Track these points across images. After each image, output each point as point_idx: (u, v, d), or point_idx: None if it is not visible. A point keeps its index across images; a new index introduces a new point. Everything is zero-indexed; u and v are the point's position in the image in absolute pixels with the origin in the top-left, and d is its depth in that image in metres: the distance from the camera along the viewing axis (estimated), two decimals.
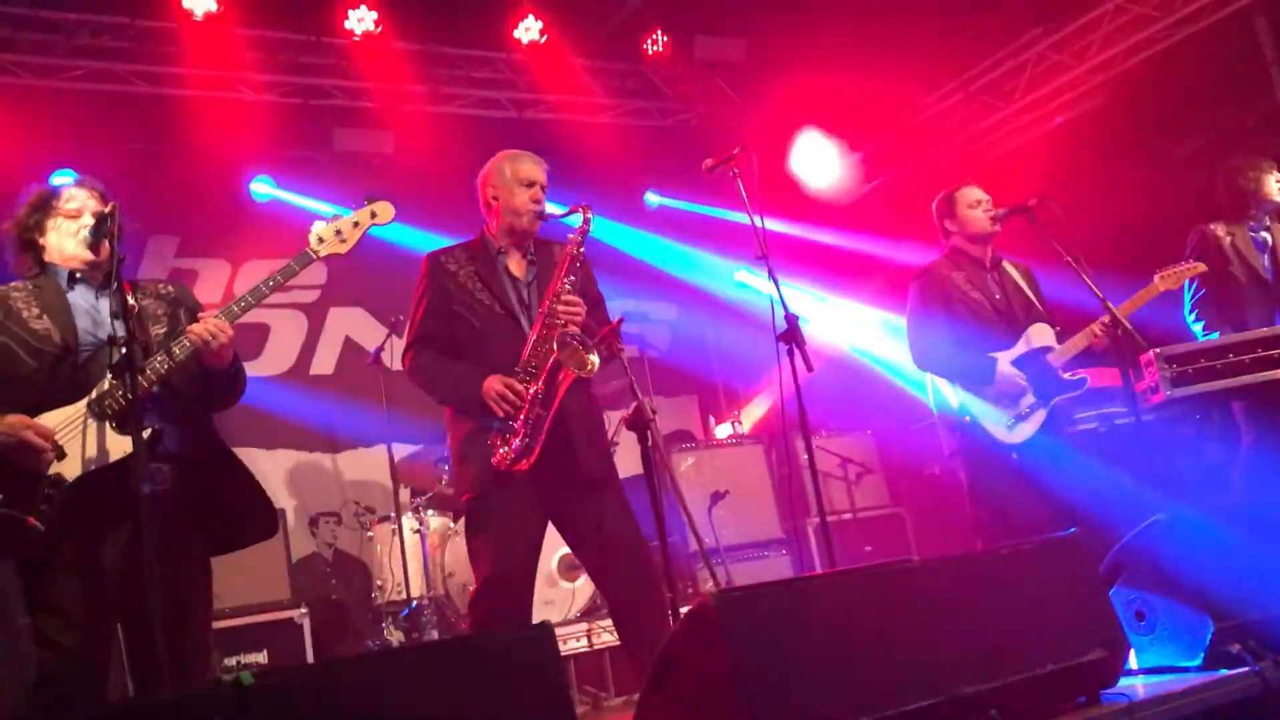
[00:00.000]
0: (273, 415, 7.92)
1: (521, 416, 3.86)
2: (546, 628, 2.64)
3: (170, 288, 3.62)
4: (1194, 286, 5.17)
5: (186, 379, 3.37)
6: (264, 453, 7.97)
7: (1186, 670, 3.20)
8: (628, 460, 4.92)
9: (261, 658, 6.03)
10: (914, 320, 5.03)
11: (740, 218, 4.37)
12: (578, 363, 3.88)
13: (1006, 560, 3.17)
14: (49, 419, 3.18)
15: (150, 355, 3.24)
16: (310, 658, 6.18)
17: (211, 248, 8.34)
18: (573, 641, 6.08)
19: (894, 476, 8.38)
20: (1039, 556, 3.18)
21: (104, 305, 3.34)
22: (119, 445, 3.19)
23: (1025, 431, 4.73)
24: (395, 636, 6.67)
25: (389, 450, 6.99)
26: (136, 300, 3.40)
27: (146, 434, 3.07)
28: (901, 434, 8.10)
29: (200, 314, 3.40)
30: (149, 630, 2.93)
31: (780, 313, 4.10)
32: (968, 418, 4.80)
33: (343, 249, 3.50)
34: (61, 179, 3.60)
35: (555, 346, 3.88)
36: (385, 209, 3.58)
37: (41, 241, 3.42)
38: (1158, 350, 4.65)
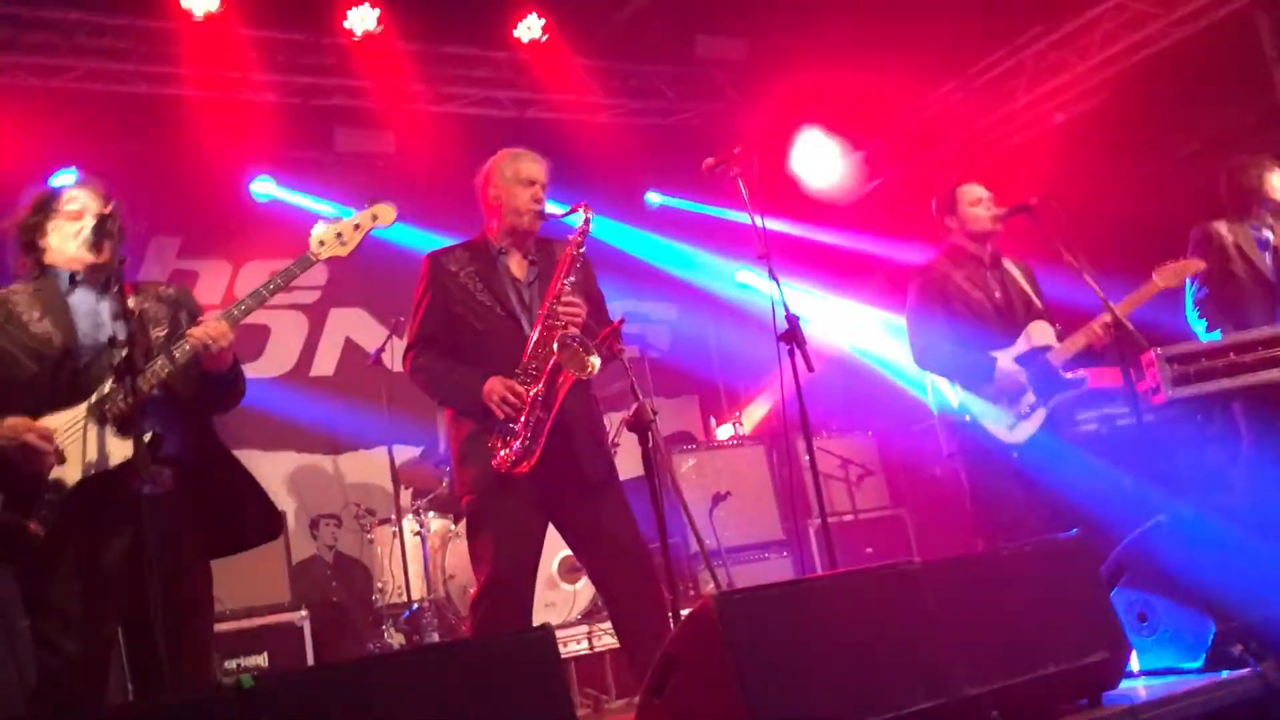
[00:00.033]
0: (273, 417, 7.91)
1: (522, 419, 3.86)
2: (547, 630, 2.64)
3: (171, 290, 3.61)
4: (1196, 285, 5.15)
5: (186, 382, 3.36)
6: (264, 454, 7.96)
7: (1188, 672, 3.20)
8: (629, 461, 4.91)
9: (262, 660, 6.03)
10: (913, 318, 5.02)
11: (741, 217, 4.36)
12: (578, 365, 3.88)
13: (1008, 561, 3.17)
14: (49, 423, 3.17)
15: (151, 358, 3.24)
16: (311, 660, 6.17)
17: (212, 248, 8.34)
18: (573, 644, 6.07)
19: (895, 478, 8.38)
20: (1040, 558, 3.18)
21: (104, 308, 3.33)
22: (119, 449, 3.18)
23: (1026, 431, 4.72)
24: (396, 639, 6.66)
25: (390, 452, 6.99)
26: (137, 303, 3.39)
27: (147, 438, 3.06)
28: (902, 435, 8.10)
29: (200, 317, 3.39)
30: (149, 633, 2.93)
31: (781, 313, 4.10)
32: (968, 417, 4.79)
33: (344, 251, 3.48)
34: (62, 179, 3.58)
35: (555, 349, 3.88)
36: (387, 212, 3.57)
37: (42, 243, 3.41)
38: (1159, 350, 4.64)
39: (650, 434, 3.81)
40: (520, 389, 3.88)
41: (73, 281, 3.38)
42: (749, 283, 9.20)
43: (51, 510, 3.10)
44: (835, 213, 9.00)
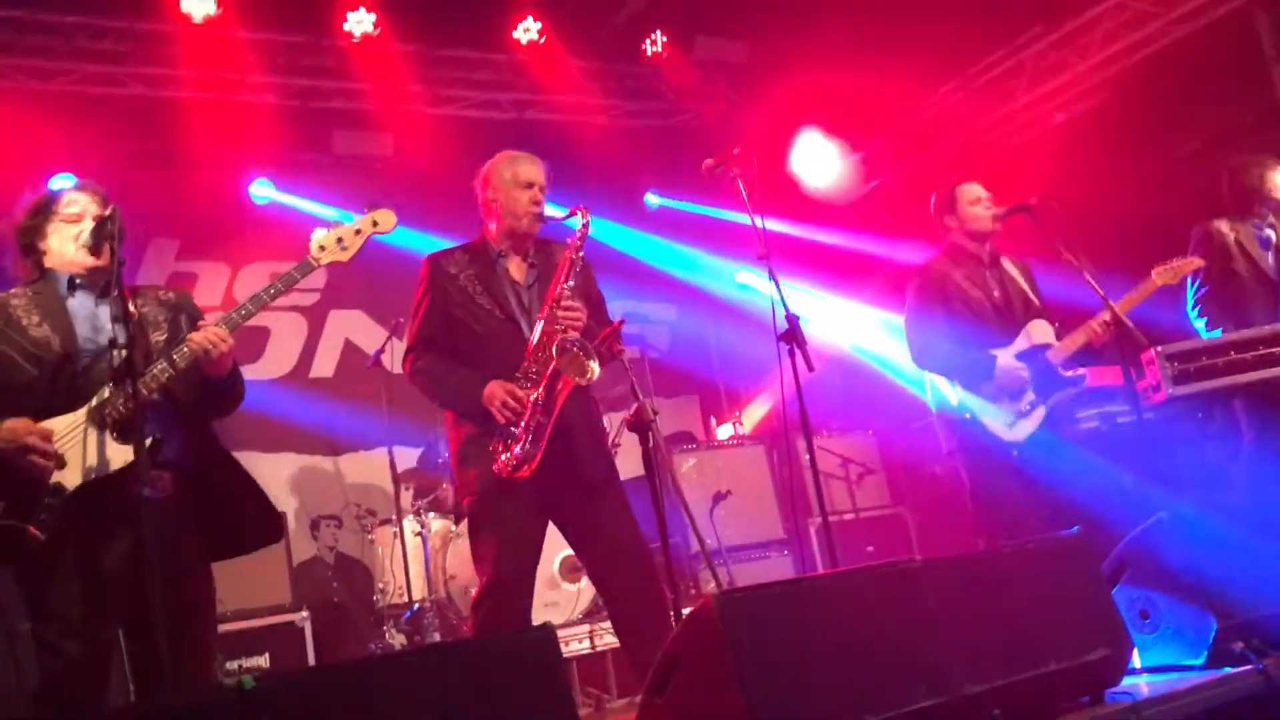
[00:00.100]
0: (273, 418, 7.91)
1: (523, 423, 3.86)
2: (549, 630, 2.64)
3: (171, 294, 3.61)
4: (1196, 283, 5.15)
5: (186, 387, 3.35)
6: (265, 456, 7.96)
7: (1190, 669, 3.20)
8: (629, 461, 4.92)
9: (263, 661, 6.03)
10: (913, 318, 5.02)
11: (740, 218, 4.36)
12: (577, 370, 3.88)
13: (1009, 559, 3.17)
14: (49, 427, 3.16)
15: (150, 362, 3.23)
16: (312, 661, 6.17)
17: (211, 250, 8.34)
18: (575, 643, 6.07)
19: (895, 476, 8.38)
20: (1042, 555, 3.18)
21: (104, 312, 3.32)
22: (119, 454, 3.18)
23: (1026, 429, 4.72)
24: (397, 639, 6.67)
25: (390, 453, 6.99)
26: (137, 306, 3.38)
27: (147, 442, 3.06)
28: (903, 433, 8.10)
29: (200, 321, 3.38)
30: (151, 635, 2.93)
31: (781, 313, 4.10)
32: (968, 415, 4.79)
33: (344, 257, 3.48)
34: (61, 183, 3.58)
35: (554, 353, 3.88)
36: (387, 217, 3.56)
37: (42, 245, 3.41)
38: (1159, 348, 4.64)
39: (650, 434, 3.81)
40: (520, 393, 3.88)
41: (72, 285, 3.38)
42: (749, 283, 9.20)
43: (51, 514, 3.10)
44: (835, 213, 9.00)
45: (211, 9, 6.86)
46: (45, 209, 3.42)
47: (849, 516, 7.90)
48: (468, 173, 4.37)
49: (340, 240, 3.48)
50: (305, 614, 6.26)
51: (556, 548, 5.98)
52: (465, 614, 6.26)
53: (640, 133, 9.01)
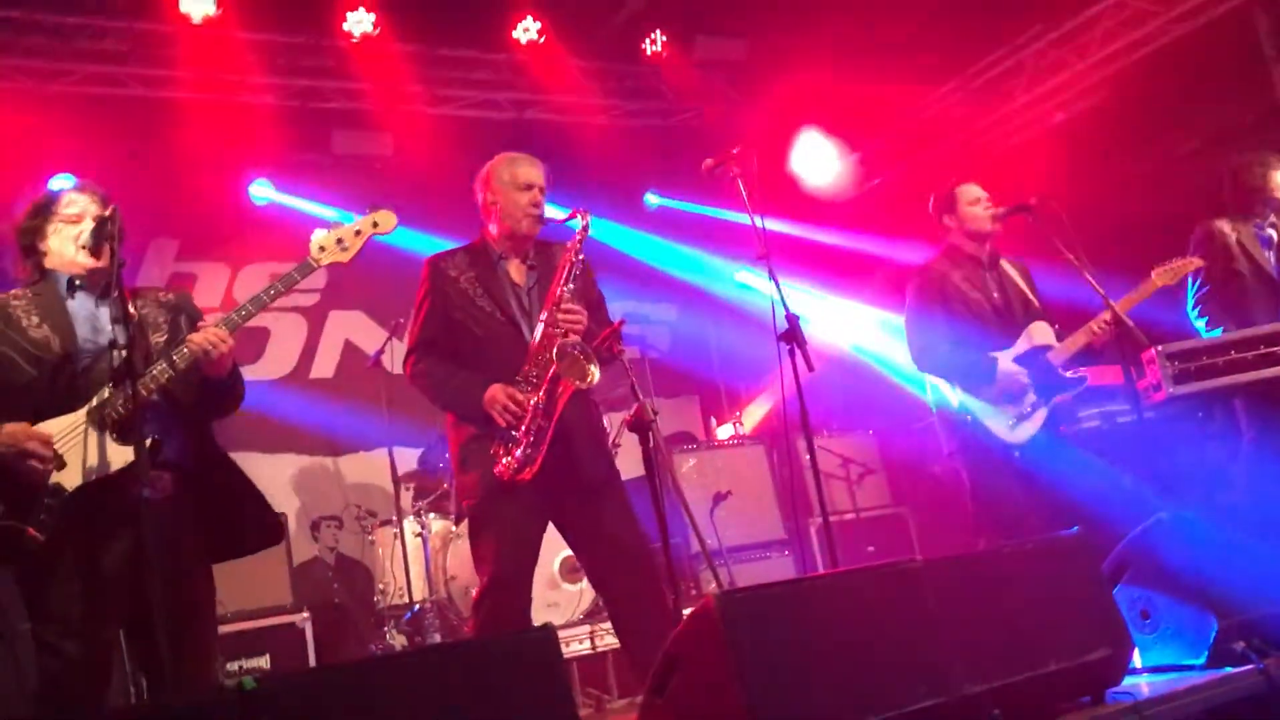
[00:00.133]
0: (273, 419, 7.92)
1: (523, 427, 3.86)
2: (549, 630, 2.64)
3: (171, 295, 3.60)
4: (1197, 283, 5.14)
5: (186, 388, 3.35)
6: (265, 457, 7.96)
7: (1191, 668, 3.20)
8: (629, 462, 4.91)
9: (264, 662, 6.03)
10: (912, 320, 5.01)
11: (740, 218, 4.36)
12: (578, 374, 3.87)
13: (1010, 559, 3.17)
14: (48, 428, 3.17)
15: (150, 363, 3.23)
16: (312, 662, 6.17)
17: (211, 251, 8.34)
18: (575, 644, 6.08)
19: (896, 476, 8.38)
20: (1042, 555, 3.18)
21: (104, 313, 3.32)
22: (119, 454, 3.18)
23: (1027, 431, 4.72)
24: (398, 640, 6.66)
25: (390, 454, 6.99)
26: (137, 308, 3.38)
27: (147, 443, 3.06)
28: (903, 433, 8.10)
29: (200, 322, 3.38)
30: (151, 636, 2.93)
31: (781, 313, 4.09)
32: (969, 417, 4.79)
33: (344, 257, 3.48)
34: (61, 183, 3.58)
35: (555, 357, 3.87)
36: (387, 218, 3.55)
37: (43, 246, 3.40)
38: (1159, 347, 4.64)
39: (651, 434, 3.81)
40: (521, 397, 3.88)
41: (72, 286, 3.38)
42: (748, 283, 9.20)
43: (51, 515, 3.10)
44: (835, 213, 9.01)
45: (211, 9, 6.87)
46: (45, 210, 3.42)
47: (849, 516, 7.90)
48: (467, 173, 4.36)
49: (340, 241, 3.48)
50: (306, 615, 6.25)
51: (557, 548, 5.98)
52: (466, 614, 6.26)
53: (640, 133, 9.01)
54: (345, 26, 7.43)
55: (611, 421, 5.82)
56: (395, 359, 6.72)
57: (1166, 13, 7.30)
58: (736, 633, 2.49)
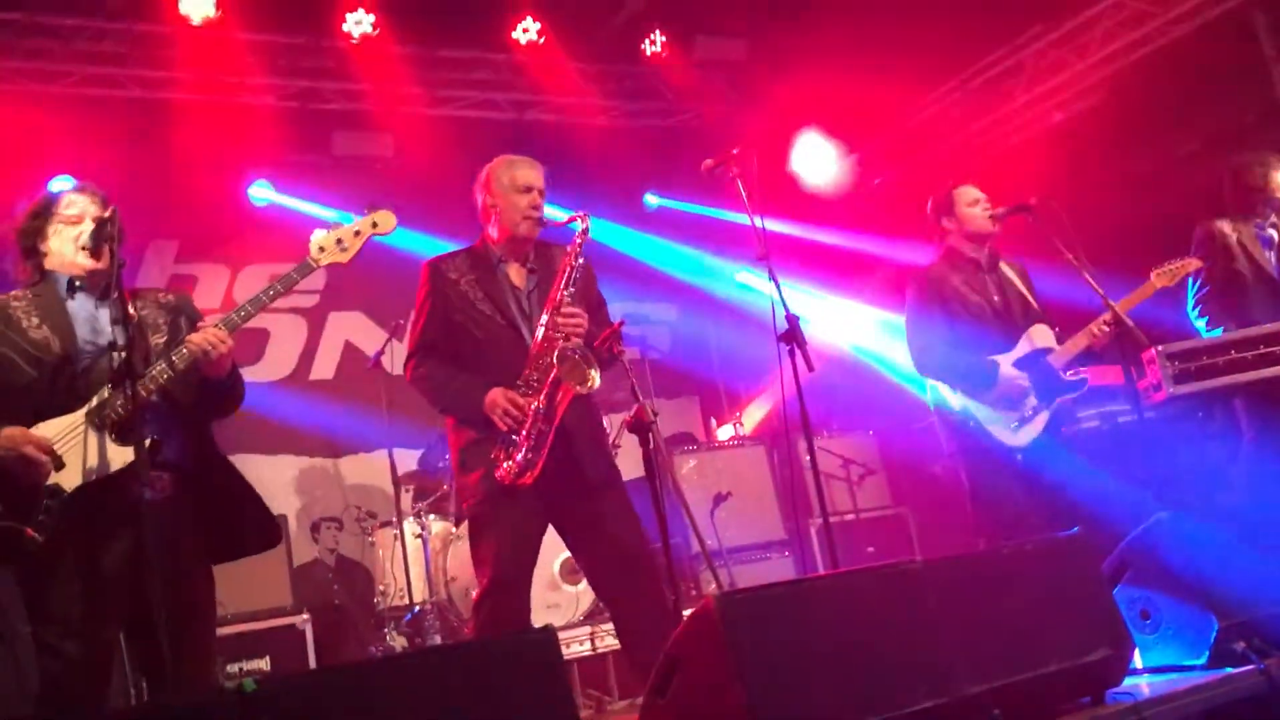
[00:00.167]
0: (273, 421, 7.93)
1: (524, 431, 3.86)
2: (550, 631, 2.64)
3: (170, 296, 3.61)
4: (1198, 283, 5.13)
5: (185, 388, 3.35)
6: (265, 458, 7.97)
7: (1191, 669, 3.20)
8: (630, 463, 4.92)
9: (264, 664, 6.02)
10: (912, 323, 5.01)
11: (740, 218, 4.36)
12: (578, 378, 3.87)
13: (1010, 560, 3.17)
14: (48, 428, 3.17)
15: (150, 364, 3.24)
16: (313, 664, 6.17)
17: (211, 252, 8.35)
18: (576, 645, 6.07)
19: (896, 477, 8.38)
20: (1043, 556, 3.17)
21: (104, 314, 3.32)
22: (118, 455, 3.18)
23: (1029, 434, 4.71)
24: (398, 642, 6.66)
25: (390, 455, 6.99)
26: (136, 309, 3.38)
27: (146, 443, 3.06)
28: (903, 434, 8.09)
29: (200, 323, 3.38)
30: (152, 636, 2.93)
31: (781, 313, 4.09)
32: (971, 422, 4.78)
33: (343, 258, 3.47)
34: (60, 184, 3.58)
35: (556, 361, 3.87)
36: (386, 218, 3.55)
37: (43, 247, 3.41)
38: (1159, 347, 4.63)
39: (651, 435, 3.81)
40: (522, 401, 3.88)
41: (72, 287, 3.38)
42: (748, 283, 9.20)
43: (50, 516, 3.11)
44: (835, 213, 9.01)
45: (210, 11, 6.86)
46: (45, 211, 3.42)
47: (850, 517, 7.89)
48: (468, 174, 4.36)
49: (340, 241, 3.48)
50: (306, 616, 6.25)
51: (557, 550, 5.97)
52: (466, 616, 6.26)
53: (640, 133, 9.01)
54: (345, 27, 7.43)
55: (612, 422, 5.82)
56: (395, 360, 6.71)
57: (1165, 13, 7.31)
58: (737, 634, 2.49)
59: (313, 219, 7.86)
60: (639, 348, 8.79)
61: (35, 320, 3.30)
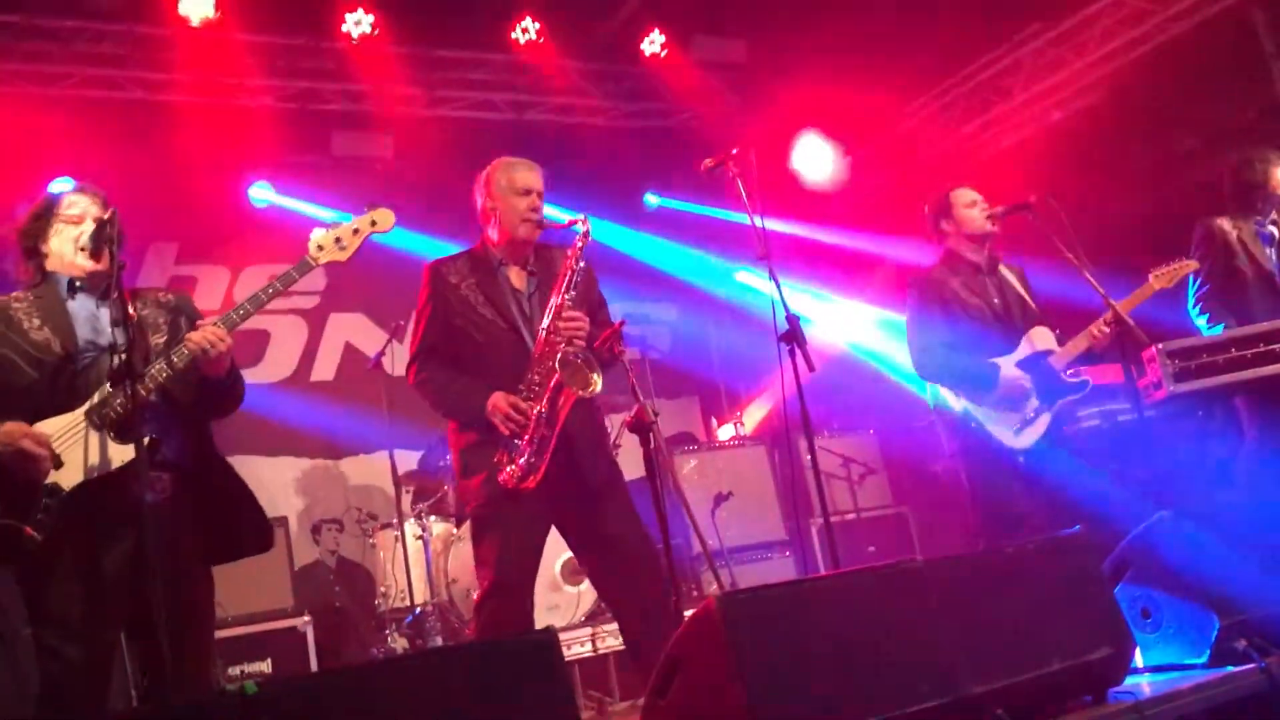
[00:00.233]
0: (274, 422, 7.93)
1: (526, 436, 3.85)
2: (551, 633, 2.64)
3: (170, 296, 3.61)
4: (1198, 281, 5.13)
5: (185, 387, 3.36)
6: (265, 460, 7.97)
7: (1192, 668, 3.20)
8: (630, 463, 4.92)
9: (265, 666, 6.02)
10: (913, 327, 5.00)
11: (740, 218, 4.35)
12: (580, 383, 3.87)
13: (1011, 559, 3.16)
14: (47, 427, 3.17)
15: (150, 363, 3.24)
16: (314, 666, 6.16)
17: (211, 254, 8.35)
18: (577, 646, 6.07)
19: (897, 476, 8.38)
20: (1043, 555, 3.17)
21: (104, 314, 3.33)
22: (118, 454, 3.18)
23: (1031, 436, 4.70)
24: (399, 643, 6.66)
25: (391, 456, 6.98)
26: (136, 309, 3.39)
27: (145, 442, 3.06)
28: (904, 433, 8.09)
29: (199, 322, 3.39)
30: (152, 637, 2.93)
31: (781, 313, 4.09)
32: (973, 423, 4.78)
33: (342, 256, 3.48)
34: (60, 185, 3.59)
35: (557, 365, 3.87)
36: (385, 217, 3.56)
37: (44, 248, 3.41)
38: (1160, 346, 4.63)
39: (651, 436, 3.81)
40: (524, 406, 3.87)
41: (72, 288, 3.38)
42: (748, 283, 9.20)
43: (49, 515, 3.11)
44: (836, 212, 9.00)
45: (209, 12, 6.86)
46: (47, 212, 3.43)
47: (851, 517, 7.90)
48: (467, 174, 4.36)
49: (339, 240, 3.48)
50: (307, 618, 6.24)
51: (558, 551, 5.98)
52: (467, 617, 6.26)
53: (639, 133, 9.01)
54: (344, 28, 7.43)
55: (612, 423, 5.82)
56: (395, 361, 6.72)
57: (1164, 11, 7.31)
58: (738, 634, 2.49)
59: (312, 220, 7.85)
60: (639, 348, 8.79)
61: (36, 321, 3.31)
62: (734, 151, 4.27)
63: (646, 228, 9.44)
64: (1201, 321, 5.14)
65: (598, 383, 3.89)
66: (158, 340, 3.41)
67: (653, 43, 8.29)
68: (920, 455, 7.87)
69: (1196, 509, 3.48)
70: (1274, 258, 5.14)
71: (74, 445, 3.17)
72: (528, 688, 2.52)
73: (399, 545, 6.71)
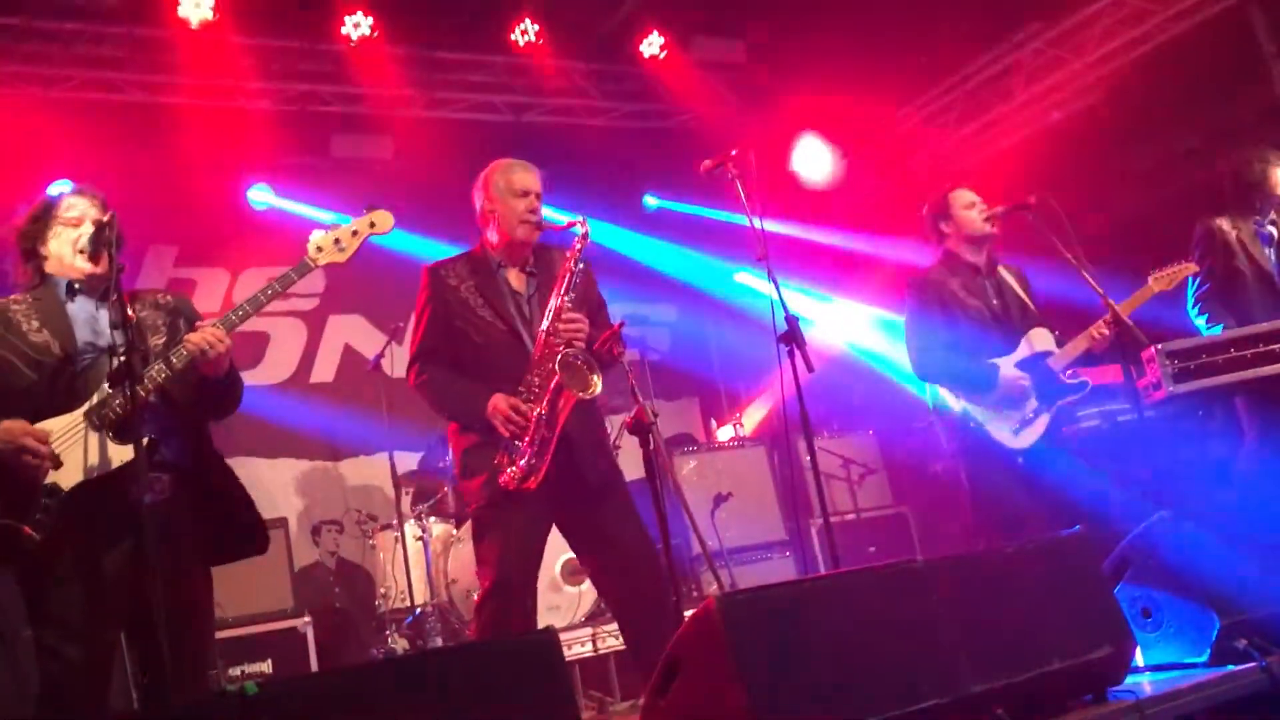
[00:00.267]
0: (273, 424, 7.93)
1: (527, 438, 3.86)
2: (551, 633, 2.64)
3: (169, 297, 3.61)
4: (1198, 281, 5.13)
5: (184, 388, 3.36)
6: (265, 461, 7.98)
7: (1193, 666, 3.20)
8: (630, 464, 4.92)
9: (265, 667, 6.03)
10: (912, 329, 5.00)
11: (739, 219, 4.36)
12: (580, 384, 3.87)
13: (1011, 559, 3.16)
14: (46, 427, 3.17)
15: (149, 365, 3.24)
16: (314, 667, 6.17)
17: (210, 256, 8.35)
18: (577, 646, 6.07)
19: (897, 476, 8.38)
20: (1044, 555, 3.17)
21: (104, 316, 3.33)
22: (117, 454, 3.18)
23: (1030, 436, 4.70)
24: (399, 644, 6.66)
25: (390, 457, 6.99)
26: (135, 311, 3.39)
27: (144, 442, 3.06)
28: (904, 433, 8.10)
29: (198, 323, 3.39)
30: (152, 639, 2.93)
31: (780, 313, 4.09)
32: (972, 423, 4.78)
33: (341, 258, 3.48)
34: (59, 188, 3.59)
35: (557, 367, 3.87)
36: (384, 218, 3.56)
37: (43, 250, 3.42)
38: (1159, 346, 4.63)
39: (651, 436, 3.81)
40: (524, 407, 3.87)
41: (71, 290, 3.38)
42: (748, 284, 9.21)
43: (48, 514, 3.11)
44: (835, 212, 9.01)
45: (209, 14, 6.86)
46: (46, 214, 3.43)
47: (850, 517, 7.90)
48: (466, 176, 4.36)
49: (338, 242, 3.49)
50: (307, 619, 6.25)
51: (558, 551, 5.98)
52: (467, 618, 6.26)
53: (638, 134, 9.01)
54: (343, 30, 7.42)
55: (612, 424, 5.83)
56: (395, 362, 6.72)
57: (1164, 11, 7.31)
58: (738, 634, 2.49)
59: (312, 222, 7.85)
60: (639, 349, 8.80)
61: (35, 324, 3.31)
62: (733, 152, 4.27)
63: (646, 229, 9.44)
64: (1201, 321, 5.14)
65: (597, 384, 3.89)
66: (157, 342, 3.41)
67: (651, 44, 8.29)
68: (920, 455, 7.88)
69: (1196, 509, 3.48)
70: (1273, 258, 5.14)
71: (73, 445, 3.18)
72: (528, 688, 2.52)
73: (399, 546, 6.71)
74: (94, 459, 3.17)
